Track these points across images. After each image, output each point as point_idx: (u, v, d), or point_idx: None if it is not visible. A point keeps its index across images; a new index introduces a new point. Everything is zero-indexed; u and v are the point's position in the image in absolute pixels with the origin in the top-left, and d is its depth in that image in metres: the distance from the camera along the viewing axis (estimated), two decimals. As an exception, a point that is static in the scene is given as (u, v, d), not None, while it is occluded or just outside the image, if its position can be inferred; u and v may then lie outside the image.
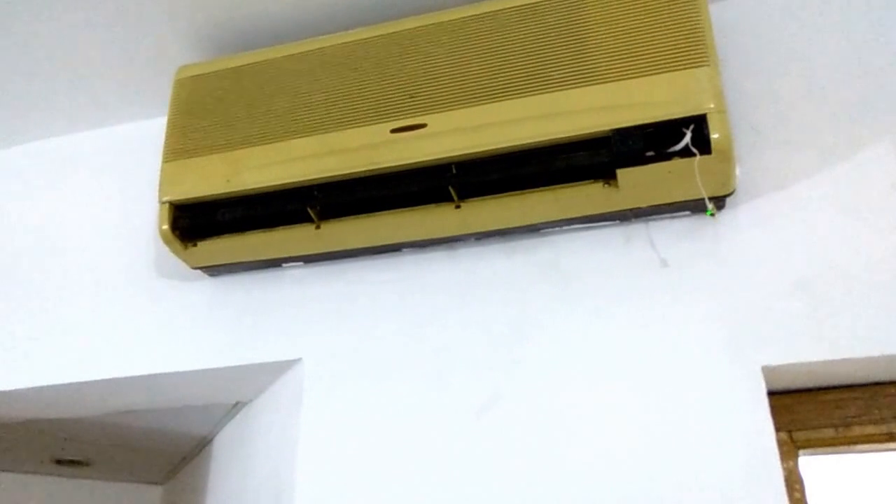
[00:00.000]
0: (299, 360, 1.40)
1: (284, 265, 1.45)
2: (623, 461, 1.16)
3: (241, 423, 1.83)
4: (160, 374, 1.48)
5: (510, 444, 1.22)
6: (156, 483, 2.74)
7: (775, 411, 1.10)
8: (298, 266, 1.45)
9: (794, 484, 1.14)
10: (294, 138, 1.24)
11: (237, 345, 1.45)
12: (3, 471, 2.49)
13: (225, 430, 2.00)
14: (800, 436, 1.17)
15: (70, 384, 1.52)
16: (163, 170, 1.34)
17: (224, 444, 1.99)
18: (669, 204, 1.21)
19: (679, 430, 1.15)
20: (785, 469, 1.10)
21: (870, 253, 1.17)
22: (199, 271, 1.48)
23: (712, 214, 1.22)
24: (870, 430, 1.14)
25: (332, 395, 1.35)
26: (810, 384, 1.21)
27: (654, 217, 1.27)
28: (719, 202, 1.22)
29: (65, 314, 1.57)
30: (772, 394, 1.12)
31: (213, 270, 1.46)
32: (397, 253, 1.41)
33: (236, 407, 1.82)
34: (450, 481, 1.23)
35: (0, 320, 1.61)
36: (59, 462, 2.39)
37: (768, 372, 1.14)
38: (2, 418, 1.77)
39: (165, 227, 1.31)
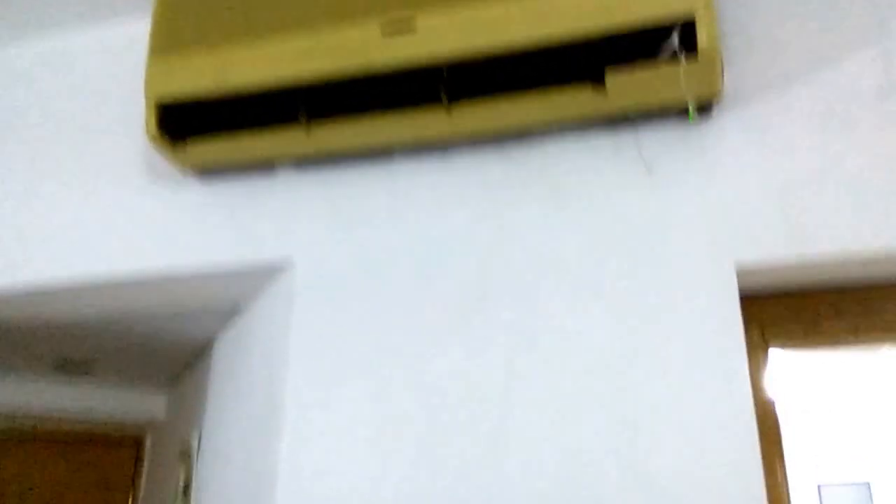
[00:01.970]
0: (291, 261, 1.44)
1: (276, 168, 1.47)
2: (600, 350, 1.22)
3: (239, 327, 1.89)
4: (153, 276, 1.52)
5: (494, 341, 1.27)
6: (160, 389, 2.84)
7: (748, 311, 1.15)
8: (290, 170, 1.47)
9: (762, 378, 1.20)
10: (282, 34, 1.24)
11: (229, 246, 1.48)
12: (6, 376, 2.57)
13: (224, 335, 2.06)
14: (771, 333, 1.22)
15: (64, 285, 1.56)
16: (148, 65, 1.33)
17: (223, 350, 2.06)
18: (657, 109, 1.23)
19: (655, 323, 1.20)
20: (754, 363, 1.15)
21: (851, 162, 1.19)
22: (191, 175, 1.50)
23: (693, 119, 1.24)
24: (837, 329, 1.19)
25: (323, 296, 1.40)
26: (783, 287, 1.26)
27: (643, 125, 1.29)
28: (705, 108, 1.23)
29: (58, 216, 1.60)
30: (747, 297, 1.16)
31: (205, 173, 1.48)
32: (389, 158, 1.43)
33: (234, 312, 1.88)
34: (435, 377, 1.29)
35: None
36: (62, 367, 2.47)
37: (743, 272, 1.18)
38: (1, 321, 1.83)
39: (152, 125, 1.32)
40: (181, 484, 2.12)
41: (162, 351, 2.35)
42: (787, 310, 1.24)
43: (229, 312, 1.90)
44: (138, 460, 2.90)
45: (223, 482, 1.75)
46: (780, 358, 1.25)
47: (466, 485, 1.23)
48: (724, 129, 1.27)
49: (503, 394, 1.26)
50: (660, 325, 1.21)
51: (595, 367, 1.21)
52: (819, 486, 4.79)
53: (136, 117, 1.61)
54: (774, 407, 1.25)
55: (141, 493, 2.83)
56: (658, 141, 1.29)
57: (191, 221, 1.51)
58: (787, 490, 1.28)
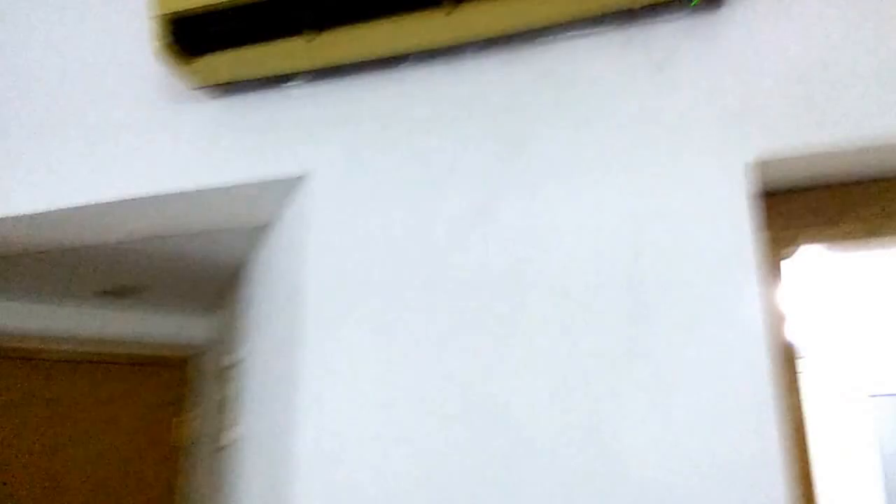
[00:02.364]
0: (305, 175, 1.45)
1: (288, 83, 1.47)
2: (610, 249, 1.21)
3: (266, 248, 1.93)
4: (172, 194, 1.55)
5: (506, 244, 1.28)
6: (203, 313, 2.94)
7: (768, 208, 1.12)
8: (302, 84, 1.47)
9: (775, 279, 1.17)
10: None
11: (244, 162, 1.49)
12: (56, 301, 2.69)
13: (255, 256, 2.11)
14: (794, 230, 1.19)
15: (89, 206, 1.60)
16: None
17: (254, 271, 2.11)
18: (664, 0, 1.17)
19: (666, 224, 1.18)
20: (772, 263, 1.13)
21: (867, 48, 1.12)
22: (203, 92, 1.51)
23: (696, 5, 1.18)
24: (853, 226, 1.14)
25: (339, 209, 1.41)
26: (806, 181, 1.21)
27: (651, 19, 1.23)
28: (718, -2, 1.18)
29: (76, 139, 1.63)
30: (767, 194, 1.13)
31: (216, 90, 1.49)
32: (398, 68, 1.41)
33: (261, 233, 1.91)
34: (449, 279, 1.30)
35: (15, 146, 1.68)
36: (107, 293, 2.57)
37: (762, 166, 1.14)
38: (36, 246, 1.89)
39: (159, 42, 1.32)
40: (218, 401, 2.21)
41: (201, 274, 2.42)
42: (810, 205, 1.19)
43: (257, 233, 1.94)
44: (184, 382, 3.03)
45: (253, 398, 1.82)
46: (804, 258, 1.21)
47: (479, 374, 1.26)
48: (737, 14, 1.21)
49: (515, 289, 1.27)
50: (670, 226, 1.19)
51: (603, 266, 1.21)
52: (841, 396, 4.67)
53: (145, 35, 1.62)
54: (791, 313, 1.22)
55: (188, 413, 2.97)
56: (668, 35, 1.24)
57: (205, 139, 1.53)
58: (802, 406, 1.26)
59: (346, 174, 1.42)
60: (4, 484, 2.68)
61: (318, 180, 1.44)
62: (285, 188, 1.53)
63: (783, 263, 1.21)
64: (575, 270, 1.23)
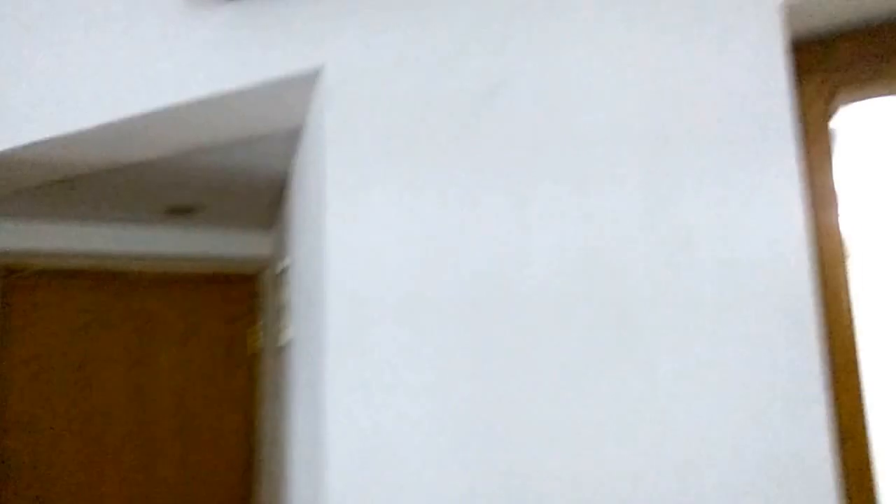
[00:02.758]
0: (322, 67, 1.45)
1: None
2: (631, 116, 1.18)
3: (299, 153, 1.96)
4: (199, 100, 1.58)
5: (520, 119, 1.26)
6: (266, 228, 3.05)
7: (798, 61, 1.04)
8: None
9: (820, 132, 1.09)
10: None
11: (263, 62, 1.51)
12: (120, 221, 2.84)
13: (293, 166, 2.15)
14: (825, 88, 1.09)
15: (124, 120, 1.66)
16: None
17: (294, 179, 2.15)
18: None
19: (693, 83, 1.14)
20: (810, 116, 1.05)
21: None
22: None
23: None
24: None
25: (355, 94, 1.41)
26: (838, 26, 1.11)
27: None
28: None
29: (99, 55, 1.68)
30: (798, 43, 1.04)
31: (229, -10, 1.49)
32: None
33: (295, 138, 1.94)
34: (462, 160, 1.31)
35: (39, 70, 1.75)
36: (173, 211, 2.70)
37: (791, 9, 1.06)
38: (90, 165, 1.99)
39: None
40: (277, 307, 2.31)
41: (255, 188, 2.50)
42: (853, 51, 1.09)
43: (293, 140, 1.97)
44: (255, 294, 3.17)
45: (296, 302, 1.89)
46: (848, 119, 1.12)
47: (501, 230, 1.28)
48: None
49: (529, 169, 1.26)
50: (696, 80, 1.13)
51: (625, 136, 1.17)
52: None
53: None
54: (839, 192, 1.14)
55: (261, 323, 3.12)
56: None
57: (223, 43, 1.55)
58: (852, 318, 1.19)
59: (360, 61, 1.42)
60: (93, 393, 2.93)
61: (334, 71, 1.44)
62: (305, 84, 1.54)
63: (824, 126, 1.13)
64: (593, 143, 1.20)
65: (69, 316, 2.95)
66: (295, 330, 1.96)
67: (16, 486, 2.78)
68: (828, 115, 1.12)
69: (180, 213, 2.74)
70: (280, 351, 2.36)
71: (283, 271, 2.21)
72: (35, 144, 1.76)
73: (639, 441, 1.26)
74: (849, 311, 1.24)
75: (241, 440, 3.04)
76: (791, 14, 1.07)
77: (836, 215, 1.17)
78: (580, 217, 1.24)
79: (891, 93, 1.11)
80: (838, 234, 1.17)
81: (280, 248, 2.58)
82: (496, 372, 1.29)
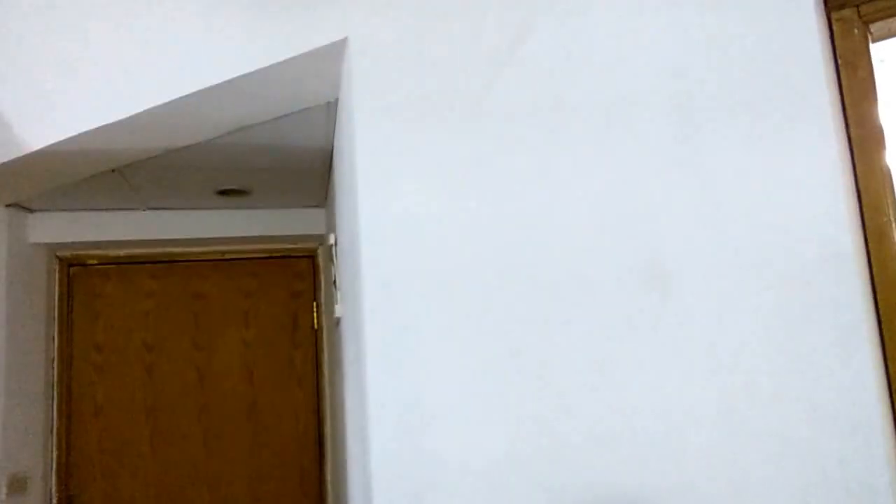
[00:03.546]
0: (347, 37, 1.43)
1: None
2: (658, 62, 1.10)
3: (337, 129, 1.94)
4: (231, 79, 1.59)
5: (544, 81, 1.21)
6: (318, 205, 3.05)
7: None
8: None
9: (858, 61, 1.00)
10: None
11: (288, 37, 1.51)
12: (174, 207, 2.88)
13: (334, 141, 2.13)
14: (865, 11, 1.00)
15: (162, 105, 1.68)
16: None
17: (335, 155, 2.13)
18: None
19: (721, 14, 1.09)
20: (844, 51, 0.96)
21: None
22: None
23: None
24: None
25: (378, 68, 1.39)
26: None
27: None
28: None
29: (135, 41, 1.69)
30: None
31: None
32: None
33: (332, 111, 1.92)
34: (489, 113, 1.30)
35: (83, 59, 1.76)
36: (226, 192, 2.72)
37: None
38: (138, 152, 2.01)
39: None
40: (332, 279, 2.31)
41: (304, 165, 2.50)
42: None
43: (331, 115, 1.95)
44: (313, 272, 3.19)
45: (343, 274, 1.88)
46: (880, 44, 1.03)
47: (520, 215, 1.27)
48: None
49: (554, 127, 1.22)
50: (725, 25, 1.05)
51: (652, 84, 1.11)
52: None
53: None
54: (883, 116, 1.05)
55: (319, 300, 3.15)
56: None
57: (249, 22, 1.55)
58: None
59: (382, 30, 1.40)
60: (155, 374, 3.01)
61: (357, 41, 1.42)
62: (333, 56, 1.52)
63: (861, 61, 1.03)
64: (619, 77, 1.15)
65: (131, 303, 3.04)
66: (343, 306, 1.94)
67: (84, 473, 2.90)
68: (865, 50, 1.02)
69: (232, 195, 2.76)
70: (336, 324, 2.37)
71: (332, 247, 2.20)
72: (82, 136, 1.79)
73: (677, 390, 1.24)
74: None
75: (308, 416, 3.09)
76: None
77: (881, 153, 1.08)
78: (609, 171, 1.20)
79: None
80: (882, 171, 1.09)
81: (330, 224, 2.58)
82: (529, 334, 1.27)
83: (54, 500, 2.81)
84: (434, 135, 1.33)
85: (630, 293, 1.22)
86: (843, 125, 1.12)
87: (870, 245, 1.19)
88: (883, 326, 1.22)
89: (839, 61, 1.07)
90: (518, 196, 1.27)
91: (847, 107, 1.09)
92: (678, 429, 1.25)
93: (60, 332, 2.91)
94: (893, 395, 1.23)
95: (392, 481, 1.25)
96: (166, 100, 1.67)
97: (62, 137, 1.77)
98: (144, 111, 1.70)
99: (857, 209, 1.18)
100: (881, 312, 1.21)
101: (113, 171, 2.26)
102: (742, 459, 1.25)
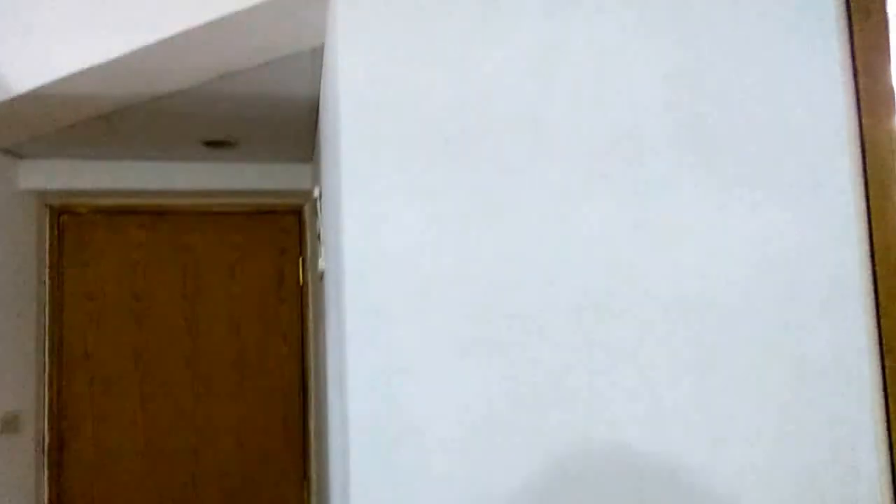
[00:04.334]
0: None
1: None
2: None
3: (321, 76, 1.94)
4: (210, 22, 1.59)
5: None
6: (306, 160, 3.07)
7: None
8: None
9: (871, 5, 1.00)
10: None
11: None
12: (161, 157, 2.89)
13: (321, 93, 2.13)
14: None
15: (141, 49, 1.68)
16: None
17: (321, 104, 2.14)
18: None
19: None
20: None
21: None
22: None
23: None
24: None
25: (362, 12, 1.38)
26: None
27: None
28: None
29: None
30: None
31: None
32: None
33: (318, 59, 1.92)
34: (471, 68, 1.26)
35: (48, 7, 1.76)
36: (212, 143, 2.73)
37: None
38: (120, 98, 2.02)
39: None
40: (317, 233, 2.34)
41: (291, 118, 2.50)
42: None
43: (316, 62, 1.95)
44: (301, 227, 3.22)
45: (327, 227, 1.91)
46: None
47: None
48: None
49: (546, 72, 1.22)
50: None
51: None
52: None
53: None
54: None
55: (308, 254, 3.18)
56: None
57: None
58: None
59: None
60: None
61: None
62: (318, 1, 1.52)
63: (875, 11, 1.04)
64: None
65: (121, 253, 3.07)
66: (326, 259, 1.98)
67: (75, 416, 2.96)
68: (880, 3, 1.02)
69: (219, 146, 2.78)
70: (319, 278, 2.41)
71: (317, 200, 2.23)
72: (68, 78, 1.80)
73: (656, 343, 1.24)
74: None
75: (292, 368, 3.15)
76: None
77: (890, 106, 1.08)
78: (603, 100, 1.18)
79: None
80: (889, 125, 1.09)
81: (316, 178, 2.60)
82: (509, 284, 1.28)
83: (46, 442, 2.88)
84: (423, 77, 1.33)
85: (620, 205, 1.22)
86: (853, 74, 1.11)
87: (871, 199, 1.16)
88: (878, 283, 1.20)
89: (851, 5, 1.04)
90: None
91: (857, 53, 1.07)
92: (656, 382, 1.26)
93: (51, 279, 2.95)
94: (884, 352, 1.23)
95: (369, 428, 1.26)
96: (151, 41, 1.68)
97: (48, 80, 1.78)
98: (129, 52, 1.71)
99: (861, 163, 1.16)
100: (877, 267, 1.19)
101: (100, 118, 2.27)
102: (720, 414, 1.25)
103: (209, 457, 3.03)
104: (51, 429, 2.89)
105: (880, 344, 1.22)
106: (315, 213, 2.35)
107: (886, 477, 1.24)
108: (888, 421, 1.25)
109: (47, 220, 2.96)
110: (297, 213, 3.24)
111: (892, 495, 1.26)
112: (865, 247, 1.24)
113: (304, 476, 3.08)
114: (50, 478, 2.87)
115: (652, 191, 1.27)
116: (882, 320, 1.21)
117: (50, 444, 2.88)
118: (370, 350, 1.29)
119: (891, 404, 1.24)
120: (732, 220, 1.26)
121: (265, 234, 3.21)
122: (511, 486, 1.24)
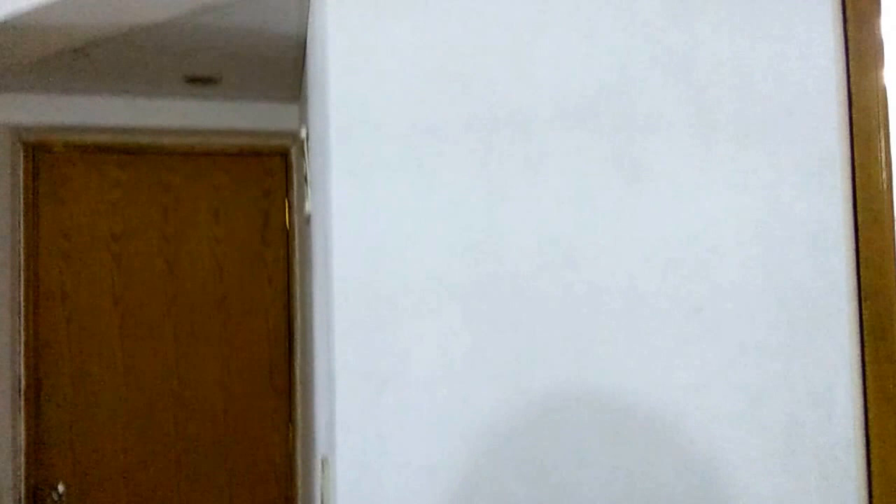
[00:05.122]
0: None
1: None
2: None
3: (309, 14, 1.85)
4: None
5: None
6: (292, 100, 2.97)
7: None
8: None
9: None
10: None
11: None
12: (141, 93, 2.79)
13: (308, 30, 2.04)
14: None
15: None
16: None
17: (308, 42, 2.05)
18: None
19: None
20: None
21: None
22: None
23: None
24: None
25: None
26: None
27: None
28: None
29: None
30: None
31: None
32: None
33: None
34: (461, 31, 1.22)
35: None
36: (194, 80, 2.63)
37: None
38: (95, 29, 1.92)
39: None
40: (304, 175, 2.28)
41: (276, 55, 2.42)
42: None
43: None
44: (286, 168, 3.14)
45: (314, 169, 1.85)
46: None
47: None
48: None
49: (534, 29, 1.17)
50: None
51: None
52: None
53: None
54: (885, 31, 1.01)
55: (294, 197, 3.11)
56: None
57: None
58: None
59: None
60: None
61: None
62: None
63: None
64: None
65: (98, 191, 2.98)
66: (313, 202, 1.92)
67: (52, 357, 2.91)
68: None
69: (202, 82, 2.68)
70: (306, 222, 2.35)
71: (303, 142, 2.15)
72: (37, 10, 1.70)
73: (643, 290, 1.27)
74: (884, 172, 1.17)
75: (278, 313, 3.11)
76: None
77: (879, 61, 1.07)
78: (588, 56, 1.17)
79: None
80: (877, 78, 1.08)
81: (302, 119, 2.52)
82: (498, 224, 1.26)
83: (22, 383, 2.83)
84: (414, 15, 1.28)
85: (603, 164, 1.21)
86: (842, 22, 1.12)
87: (855, 150, 1.20)
88: (859, 231, 1.25)
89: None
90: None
91: (847, 1, 1.08)
92: (638, 328, 1.28)
93: (26, 217, 2.86)
94: (861, 298, 1.28)
95: (354, 370, 1.27)
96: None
97: (14, 10, 1.68)
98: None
99: (847, 112, 1.18)
100: (858, 216, 1.24)
101: (77, 51, 2.17)
102: (700, 360, 1.29)
103: (192, 400, 3.00)
104: (27, 369, 2.85)
105: (859, 291, 1.28)
106: (302, 154, 2.27)
107: (860, 420, 1.29)
108: (863, 366, 1.29)
109: (21, 156, 2.86)
110: (284, 154, 3.16)
111: (864, 439, 1.30)
112: (848, 195, 1.26)
113: (290, 419, 3.07)
114: (27, 418, 2.83)
115: (638, 135, 1.28)
116: (861, 268, 1.27)
117: (27, 384, 2.84)
118: (356, 292, 1.28)
119: (866, 350, 1.29)
120: (715, 165, 1.29)
121: (250, 176, 3.13)
122: (492, 425, 1.26)
